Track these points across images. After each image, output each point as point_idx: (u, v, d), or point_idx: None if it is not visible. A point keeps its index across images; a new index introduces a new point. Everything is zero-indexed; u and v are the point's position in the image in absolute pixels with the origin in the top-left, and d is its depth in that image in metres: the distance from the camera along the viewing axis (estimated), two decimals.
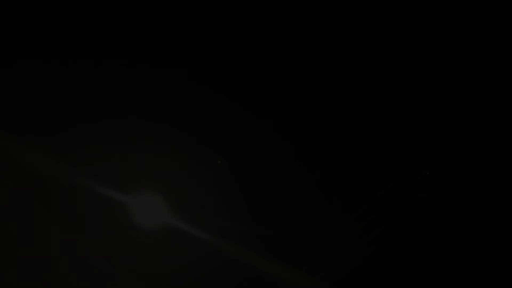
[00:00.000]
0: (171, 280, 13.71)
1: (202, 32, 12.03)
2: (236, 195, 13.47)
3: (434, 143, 8.74)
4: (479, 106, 8.51)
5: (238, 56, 12.46)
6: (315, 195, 12.81)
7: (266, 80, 12.64)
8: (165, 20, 12.01)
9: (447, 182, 8.47)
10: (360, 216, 9.79)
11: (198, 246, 12.91)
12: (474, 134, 8.26)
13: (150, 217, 12.76)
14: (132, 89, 12.36)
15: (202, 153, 12.98)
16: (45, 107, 12.06)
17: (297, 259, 10.94)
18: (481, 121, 8.40)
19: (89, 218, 12.85)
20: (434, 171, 8.65)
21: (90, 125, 12.26)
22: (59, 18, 11.74)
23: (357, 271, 9.32)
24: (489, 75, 9.35)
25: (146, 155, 12.78)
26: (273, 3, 11.40)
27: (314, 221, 13.08)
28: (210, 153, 13.07)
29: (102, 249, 12.95)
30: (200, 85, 12.56)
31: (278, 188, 13.61)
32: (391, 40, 11.28)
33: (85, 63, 12.11)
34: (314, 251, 10.51)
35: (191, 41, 12.24)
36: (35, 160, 11.50)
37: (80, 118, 12.22)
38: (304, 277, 10.55)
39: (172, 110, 12.62)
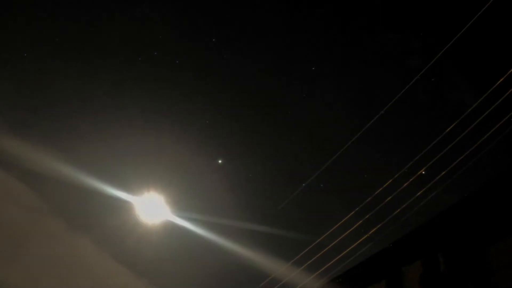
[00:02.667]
0: (172, 277, 13.84)
1: (205, 34, 12.17)
2: (236, 194, 13.60)
3: (430, 143, 8.86)
4: (476, 107, 8.62)
5: (239, 55, 12.59)
6: (315, 194, 12.96)
7: (267, 80, 12.77)
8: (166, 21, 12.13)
9: (444, 181, 8.62)
10: (359, 215, 9.89)
11: (198, 244, 13.05)
12: (470, 135, 8.40)
13: (153, 216, 12.89)
14: (135, 90, 12.52)
15: (203, 154, 13.13)
16: (51, 109, 12.18)
17: (297, 256, 11.07)
18: (478, 121, 8.50)
19: (93, 217, 12.98)
20: (430, 171, 8.78)
21: (94, 127, 12.39)
22: (61, 17, 11.85)
23: (356, 267, 9.44)
24: (485, 76, 9.50)
25: (149, 155, 12.92)
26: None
27: (314, 220, 13.23)
28: (211, 153, 13.22)
29: (105, 247, 13.07)
30: (202, 88, 12.70)
31: (278, 188, 13.75)
32: (389, 42, 11.41)
33: (89, 62, 12.24)
34: (314, 248, 10.62)
35: (194, 42, 12.38)
36: (40, 159, 11.62)
37: (86, 120, 12.36)
38: (304, 273, 10.67)
39: (174, 111, 12.77)
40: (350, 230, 9.74)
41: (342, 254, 9.89)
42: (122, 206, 12.56)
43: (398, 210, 9.09)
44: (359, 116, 11.61)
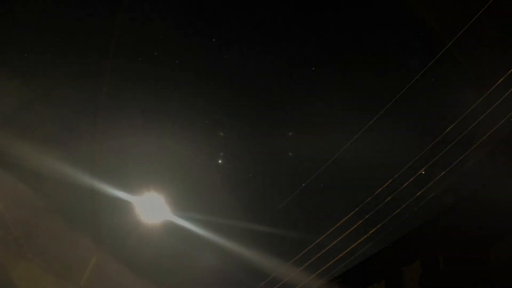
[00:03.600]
0: (172, 277, 13.85)
1: (207, 33, 12.17)
2: (236, 194, 13.61)
3: (430, 143, 8.88)
4: (475, 107, 8.64)
5: (239, 55, 12.60)
6: (315, 194, 12.96)
7: (267, 80, 12.77)
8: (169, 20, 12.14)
9: (443, 181, 8.63)
10: (359, 214, 9.92)
11: (199, 244, 13.06)
12: (468, 135, 8.41)
13: (153, 216, 12.91)
14: (135, 90, 12.51)
15: (203, 154, 13.14)
16: (51, 108, 12.19)
17: (296, 256, 11.10)
18: (476, 122, 8.52)
19: (93, 217, 12.99)
20: (429, 170, 8.80)
21: (94, 127, 12.40)
22: (61, 17, 11.86)
23: (356, 267, 9.46)
24: (484, 77, 9.51)
25: (149, 155, 12.93)
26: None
27: (314, 220, 13.23)
28: (211, 153, 13.22)
29: (105, 247, 13.09)
30: (202, 88, 12.70)
31: (278, 187, 13.75)
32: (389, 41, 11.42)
33: (89, 61, 12.24)
34: (314, 248, 10.65)
35: (194, 42, 12.38)
36: (40, 159, 11.64)
37: (86, 120, 12.37)
38: (304, 273, 10.69)
39: (174, 111, 12.77)
40: (350, 230, 9.76)
41: (342, 254, 9.91)
42: (122, 206, 12.58)
43: (398, 210, 9.11)
44: (359, 116, 11.61)
